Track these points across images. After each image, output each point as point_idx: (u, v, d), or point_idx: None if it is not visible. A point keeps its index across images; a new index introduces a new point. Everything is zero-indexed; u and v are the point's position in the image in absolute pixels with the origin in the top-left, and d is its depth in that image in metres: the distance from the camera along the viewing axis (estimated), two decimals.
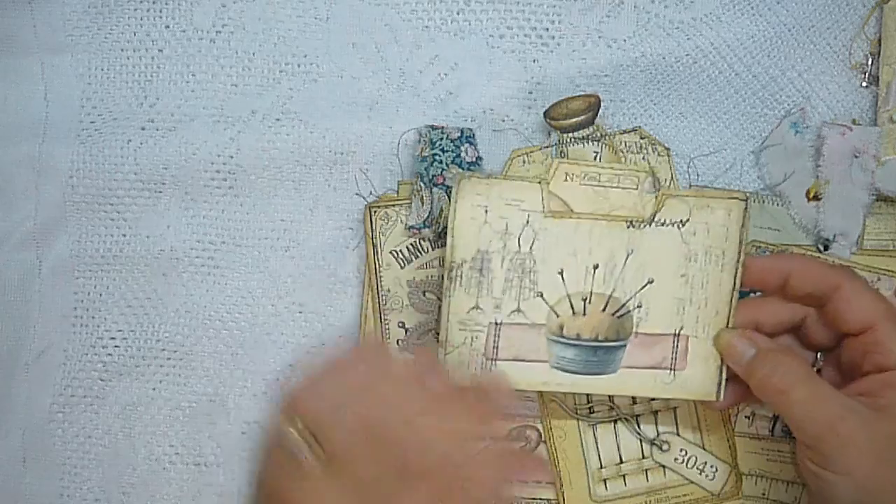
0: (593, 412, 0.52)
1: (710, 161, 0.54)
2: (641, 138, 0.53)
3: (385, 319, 0.52)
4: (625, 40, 0.55)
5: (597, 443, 0.51)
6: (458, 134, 0.52)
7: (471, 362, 0.47)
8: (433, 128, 0.53)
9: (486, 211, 0.45)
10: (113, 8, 0.55)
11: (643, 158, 0.53)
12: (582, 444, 0.51)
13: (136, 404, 0.53)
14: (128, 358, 0.53)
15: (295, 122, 0.54)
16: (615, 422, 0.52)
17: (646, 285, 0.46)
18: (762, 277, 0.46)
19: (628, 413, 0.52)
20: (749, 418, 0.52)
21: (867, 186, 0.53)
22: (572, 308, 0.46)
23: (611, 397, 0.51)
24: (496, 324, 0.46)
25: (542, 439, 0.52)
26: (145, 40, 0.55)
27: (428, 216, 0.51)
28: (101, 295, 0.54)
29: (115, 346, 0.54)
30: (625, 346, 0.46)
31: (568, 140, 0.53)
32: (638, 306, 0.46)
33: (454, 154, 0.52)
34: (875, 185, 0.53)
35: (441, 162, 0.52)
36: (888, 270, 0.52)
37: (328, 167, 0.54)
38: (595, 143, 0.53)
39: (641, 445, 0.52)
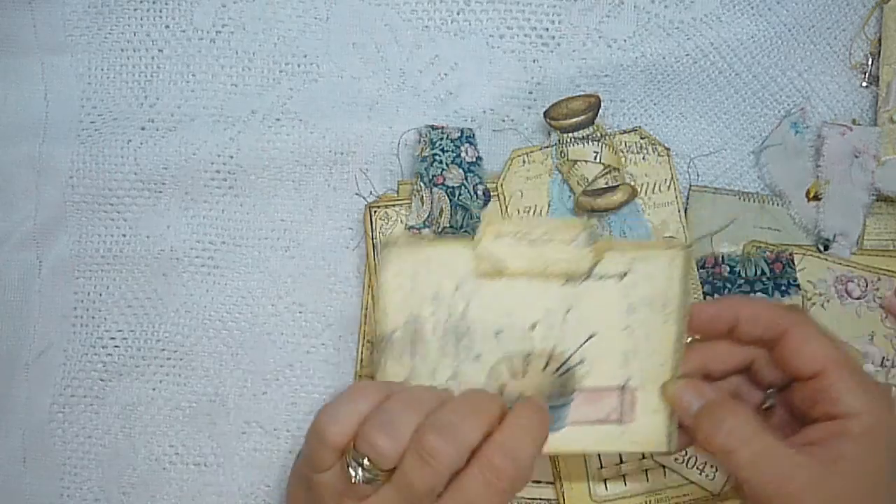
0: None
1: (710, 161, 0.54)
2: (641, 138, 0.53)
3: None
4: (625, 40, 0.55)
5: None
6: (458, 134, 0.52)
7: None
8: (433, 128, 0.53)
9: (414, 278, 0.43)
10: (113, 8, 0.55)
11: (643, 159, 0.53)
12: None
13: (136, 404, 0.53)
14: (128, 358, 0.53)
15: (295, 122, 0.54)
16: None
17: (587, 340, 0.44)
18: (710, 325, 0.44)
19: None
20: None
21: (867, 186, 0.53)
22: (512, 369, 0.44)
23: None
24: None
25: None
26: (145, 40, 0.55)
27: (428, 216, 0.51)
28: (101, 295, 0.54)
29: (115, 346, 0.54)
30: (569, 403, 0.44)
31: (568, 140, 0.53)
32: (581, 361, 0.44)
33: (454, 154, 0.52)
34: (875, 185, 0.53)
35: (441, 162, 0.52)
36: (888, 270, 0.53)
37: (328, 167, 0.54)
38: (595, 143, 0.53)
39: None
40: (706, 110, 0.55)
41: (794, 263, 0.53)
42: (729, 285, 0.52)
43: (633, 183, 0.53)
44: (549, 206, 0.53)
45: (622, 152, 0.53)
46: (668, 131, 0.55)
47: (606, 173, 0.52)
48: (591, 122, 0.53)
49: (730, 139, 0.55)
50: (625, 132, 0.53)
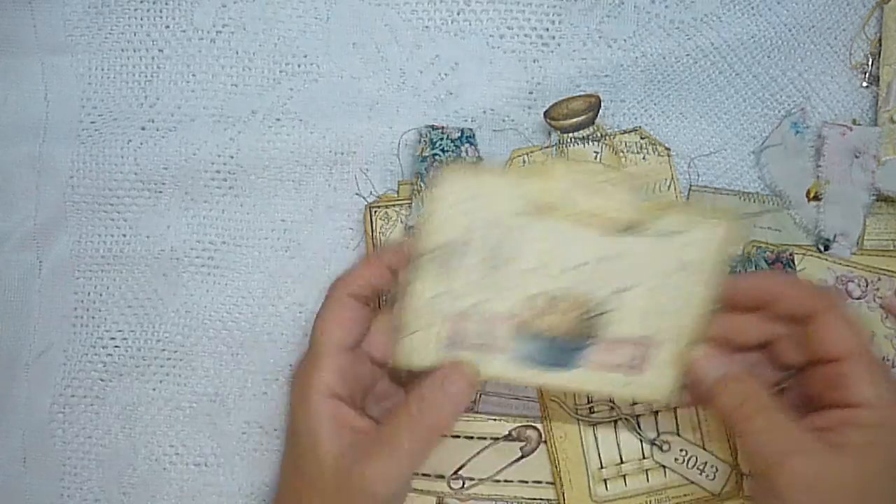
0: (593, 412, 0.52)
1: (711, 161, 0.54)
2: (642, 138, 0.53)
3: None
4: (625, 40, 0.55)
5: (597, 443, 0.51)
6: (459, 134, 0.52)
7: (429, 348, 0.45)
8: (433, 128, 0.53)
9: (468, 200, 0.43)
10: (113, 8, 0.55)
11: (643, 159, 0.53)
12: (582, 444, 0.51)
13: (136, 404, 0.53)
14: (128, 358, 0.53)
15: (295, 122, 0.54)
16: (615, 422, 0.52)
17: (620, 291, 0.44)
18: (743, 297, 0.45)
19: (629, 413, 0.52)
20: None
21: (867, 186, 0.53)
22: (540, 305, 0.44)
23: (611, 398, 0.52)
24: (461, 313, 0.45)
25: (543, 439, 0.52)
26: (145, 40, 0.55)
27: None
28: (101, 295, 0.54)
29: (115, 346, 0.54)
30: (588, 346, 0.45)
31: (568, 140, 0.53)
32: (606, 311, 0.44)
33: (454, 154, 0.52)
34: (875, 185, 0.53)
35: (441, 162, 0.52)
36: (888, 270, 0.53)
37: (328, 167, 0.54)
38: (595, 143, 0.53)
39: (642, 445, 0.52)
40: (706, 110, 0.55)
41: (794, 263, 0.53)
42: None
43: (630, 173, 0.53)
44: None
45: (622, 152, 0.53)
46: (668, 131, 0.55)
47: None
48: (592, 122, 0.53)
49: (730, 139, 0.55)
50: (625, 132, 0.53)
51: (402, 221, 0.52)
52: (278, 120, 0.54)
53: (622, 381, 0.45)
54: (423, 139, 0.53)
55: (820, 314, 0.43)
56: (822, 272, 0.53)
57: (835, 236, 0.53)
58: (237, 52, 0.55)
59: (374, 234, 0.53)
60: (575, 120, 0.52)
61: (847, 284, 0.53)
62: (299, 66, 0.55)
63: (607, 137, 0.53)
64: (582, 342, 0.45)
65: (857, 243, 0.53)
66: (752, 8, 0.55)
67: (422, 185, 0.52)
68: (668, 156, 0.53)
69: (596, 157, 0.52)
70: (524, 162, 0.53)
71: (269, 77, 0.55)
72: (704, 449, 0.51)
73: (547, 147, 0.53)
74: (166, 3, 0.55)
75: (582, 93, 0.54)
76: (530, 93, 0.55)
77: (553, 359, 0.45)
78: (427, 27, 0.55)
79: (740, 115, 0.55)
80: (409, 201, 0.52)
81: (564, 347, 0.45)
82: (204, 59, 0.55)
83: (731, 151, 0.55)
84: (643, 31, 0.55)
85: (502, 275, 0.44)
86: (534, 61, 0.55)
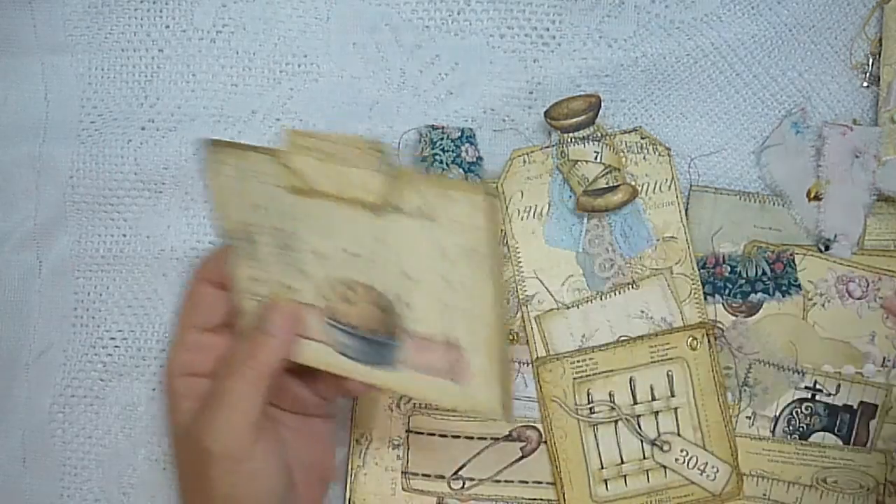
0: (594, 412, 0.52)
1: (711, 161, 0.54)
2: (642, 138, 0.53)
3: None
4: (625, 40, 0.55)
5: (597, 443, 0.51)
6: (459, 134, 0.52)
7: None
8: (434, 128, 0.53)
9: (239, 181, 0.41)
10: (113, 8, 0.55)
11: (644, 158, 0.53)
12: (582, 444, 0.51)
13: (136, 404, 0.53)
14: (128, 358, 0.53)
15: (295, 123, 0.54)
16: (616, 422, 0.52)
17: (404, 279, 0.40)
18: None
19: (629, 413, 0.52)
20: (750, 419, 0.52)
21: (868, 186, 0.53)
22: (338, 293, 0.41)
23: (611, 396, 0.51)
24: (271, 297, 0.43)
25: (543, 440, 0.52)
26: (145, 40, 0.55)
27: None
28: (101, 295, 0.54)
29: (115, 347, 0.54)
30: (399, 345, 0.42)
31: (568, 140, 0.53)
32: (407, 304, 0.40)
33: (455, 154, 0.52)
34: (876, 185, 0.53)
35: (442, 162, 0.52)
36: (889, 270, 0.52)
37: None
38: (596, 143, 0.52)
39: (642, 446, 0.51)
40: (706, 110, 0.55)
41: (794, 263, 0.53)
42: (729, 285, 0.52)
43: (633, 183, 0.53)
44: (549, 205, 0.53)
45: (623, 152, 0.53)
46: (668, 131, 0.55)
47: (607, 173, 0.52)
48: (592, 122, 0.53)
49: (730, 139, 0.55)
50: (625, 132, 0.53)
51: None
52: (278, 120, 0.54)
53: (455, 391, 0.42)
54: (423, 139, 0.53)
55: None
56: (822, 272, 0.53)
57: (835, 236, 0.53)
58: (237, 52, 0.55)
59: None
60: (575, 120, 0.52)
61: (847, 284, 0.53)
62: (299, 66, 0.55)
63: (607, 137, 0.53)
64: (391, 339, 0.42)
65: (858, 243, 0.53)
66: (752, 8, 0.55)
67: None
68: (669, 156, 0.53)
69: (596, 157, 0.52)
70: (524, 162, 0.53)
71: (269, 77, 0.55)
72: (705, 449, 0.51)
73: (547, 147, 0.53)
74: (166, 3, 0.55)
75: (582, 93, 0.54)
76: (530, 93, 0.55)
77: (372, 356, 0.43)
78: (427, 27, 0.55)
79: (740, 115, 0.55)
80: None
81: (376, 343, 0.42)
82: (204, 59, 0.55)
83: (731, 151, 0.55)
84: (643, 31, 0.55)
85: (295, 258, 0.41)
86: (534, 61, 0.55)
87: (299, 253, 0.41)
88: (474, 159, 0.52)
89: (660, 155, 0.53)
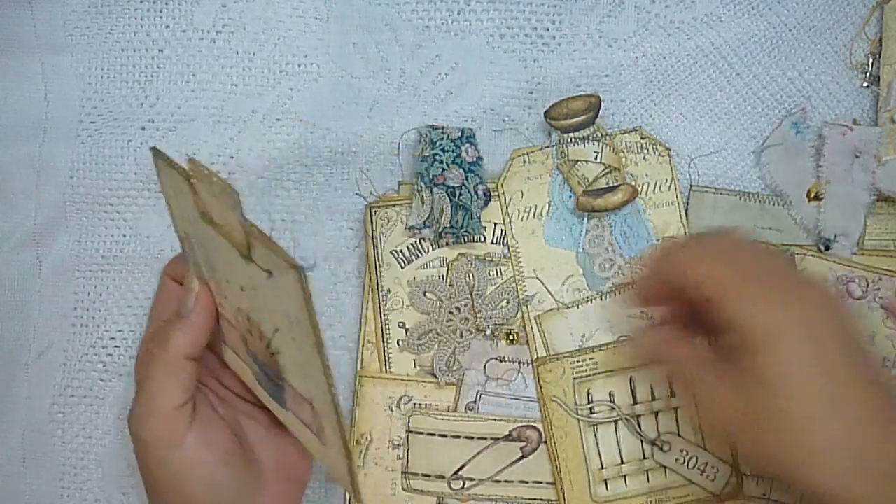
0: (594, 412, 0.52)
1: (711, 161, 0.54)
2: (642, 138, 0.53)
3: (385, 319, 0.52)
4: (625, 40, 0.55)
5: (597, 443, 0.51)
6: (459, 134, 0.52)
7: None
8: (434, 128, 0.53)
9: (174, 197, 0.40)
10: (113, 8, 0.55)
11: (644, 159, 0.53)
12: (582, 444, 0.51)
13: None
14: (128, 358, 0.53)
15: (295, 122, 0.54)
16: (616, 422, 0.52)
17: (275, 334, 0.37)
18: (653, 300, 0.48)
19: (629, 413, 0.51)
20: None
21: (868, 186, 0.53)
22: (242, 322, 0.40)
23: (611, 396, 0.51)
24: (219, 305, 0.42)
25: (543, 440, 0.52)
26: (145, 40, 0.55)
27: (429, 216, 0.51)
28: (101, 295, 0.54)
29: (115, 347, 0.54)
30: (285, 388, 0.40)
31: (568, 140, 0.53)
32: (280, 353, 0.38)
33: (455, 154, 0.52)
34: (876, 185, 0.53)
35: (442, 162, 0.52)
36: (889, 270, 0.52)
37: (328, 167, 0.54)
38: (595, 143, 0.52)
39: (642, 446, 0.51)
40: (706, 110, 0.55)
41: (794, 264, 0.52)
42: None
43: (633, 183, 0.53)
44: (549, 205, 0.53)
45: (623, 152, 0.53)
46: (668, 131, 0.55)
47: (607, 173, 0.52)
48: (592, 122, 0.53)
49: (730, 139, 0.55)
50: (625, 132, 0.53)
51: (401, 221, 0.52)
52: (278, 120, 0.54)
53: (318, 447, 0.40)
54: (423, 139, 0.53)
55: (685, 266, 0.43)
56: (822, 272, 0.53)
57: (835, 236, 0.53)
58: (237, 52, 0.55)
59: (375, 233, 0.52)
60: (575, 120, 0.52)
61: (848, 284, 0.53)
62: (299, 66, 0.55)
63: (607, 137, 0.53)
64: (282, 381, 0.40)
65: (858, 243, 0.53)
66: (752, 8, 0.55)
67: (422, 185, 0.52)
68: (669, 156, 0.53)
69: (596, 157, 0.52)
70: (524, 162, 0.53)
71: (269, 77, 0.55)
72: (705, 449, 0.51)
73: (547, 147, 0.53)
74: (166, 3, 0.55)
75: (582, 93, 0.54)
76: (530, 93, 0.55)
77: (272, 390, 0.42)
78: (427, 27, 0.55)
79: (740, 115, 0.55)
80: (409, 201, 0.52)
81: (273, 382, 0.41)
82: (204, 59, 0.55)
83: (731, 151, 0.55)
84: (643, 31, 0.55)
85: (217, 277, 0.40)
86: (534, 61, 0.55)
87: (217, 273, 0.40)
88: (474, 159, 0.52)
89: (660, 155, 0.53)
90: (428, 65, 0.55)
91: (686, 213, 0.53)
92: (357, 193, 0.54)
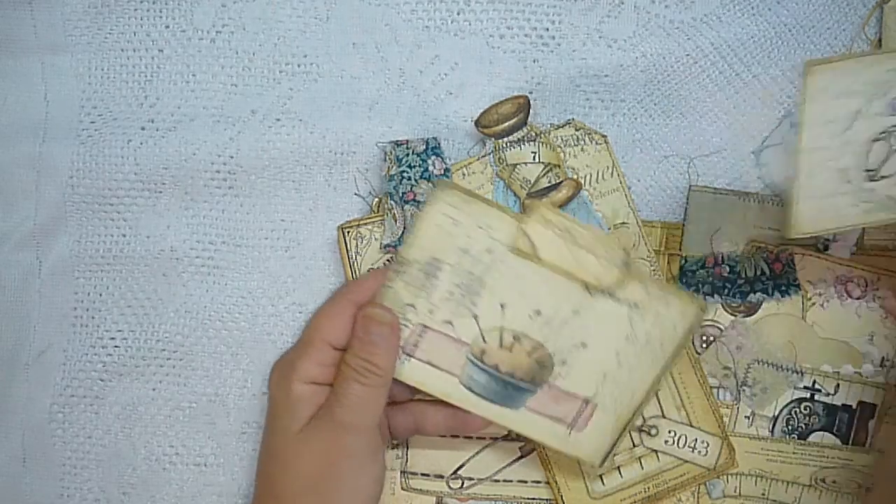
0: None
1: (711, 161, 0.54)
2: (577, 130, 0.53)
3: None
4: (625, 40, 0.55)
5: None
6: (424, 147, 0.52)
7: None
8: (398, 143, 0.52)
9: (455, 224, 0.45)
10: (113, 8, 0.55)
11: (581, 150, 0.53)
12: None
13: (136, 404, 0.53)
14: (128, 358, 0.53)
15: (295, 122, 0.54)
16: None
17: (579, 347, 0.46)
18: None
19: None
20: (749, 418, 0.52)
21: None
22: (501, 340, 0.46)
23: None
24: (424, 326, 0.46)
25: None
26: (145, 40, 0.55)
27: (402, 233, 0.51)
28: (101, 295, 0.54)
29: (115, 346, 0.54)
30: (535, 392, 0.47)
31: (504, 145, 0.53)
32: (563, 363, 0.46)
33: (422, 168, 0.52)
34: None
35: (410, 178, 0.51)
36: (888, 270, 0.53)
37: (328, 167, 0.54)
38: (531, 143, 0.52)
39: (630, 434, 0.52)
40: (706, 110, 0.55)
41: (794, 263, 0.53)
42: (729, 285, 0.52)
43: (575, 176, 0.53)
44: None
45: (560, 147, 0.53)
46: (668, 131, 0.55)
47: (548, 171, 0.52)
48: (524, 123, 0.53)
49: (730, 139, 0.55)
50: (558, 127, 0.53)
51: (375, 239, 0.52)
52: (278, 120, 0.54)
53: (563, 434, 0.47)
54: (388, 157, 0.52)
55: None
56: (821, 272, 0.53)
57: (834, 236, 0.53)
58: (237, 52, 0.55)
59: (350, 254, 0.52)
60: (507, 124, 0.52)
61: (847, 284, 0.53)
62: (299, 66, 0.55)
63: (542, 135, 0.53)
64: (531, 386, 0.47)
65: (857, 243, 0.53)
66: (752, 8, 0.55)
67: (392, 203, 0.51)
68: (606, 143, 0.53)
69: (534, 157, 0.52)
70: (464, 175, 0.53)
71: (269, 77, 0.55)
72: (692, 426, 0.51)
73: (483, 156, 0.53)
74: (166, 3, 0.55)
75: (510, 95, 0.54)
76: (530, 93, 0.55)
77: (499, 395, 0.47)
78: (427, 27, 0.55)
79: (740, 115, 0.55)
80: (382, 218, 0.52)
81: (514, 387, 0.46)
82: (204, 59, 0.55)
83: (731, 151, 0.55)
84: (643, 31, 0.55)
85: (472, 303, 0.46)
86: (534, 61, 0.55)
87: (479, 297, 0.46)
88: (442, 171, 0.52)
89: (597, 143, 0.53)
90: (427, 65, 0.55)
91: (686, 213, 0.53)
92: (357, 193, 0.54)
